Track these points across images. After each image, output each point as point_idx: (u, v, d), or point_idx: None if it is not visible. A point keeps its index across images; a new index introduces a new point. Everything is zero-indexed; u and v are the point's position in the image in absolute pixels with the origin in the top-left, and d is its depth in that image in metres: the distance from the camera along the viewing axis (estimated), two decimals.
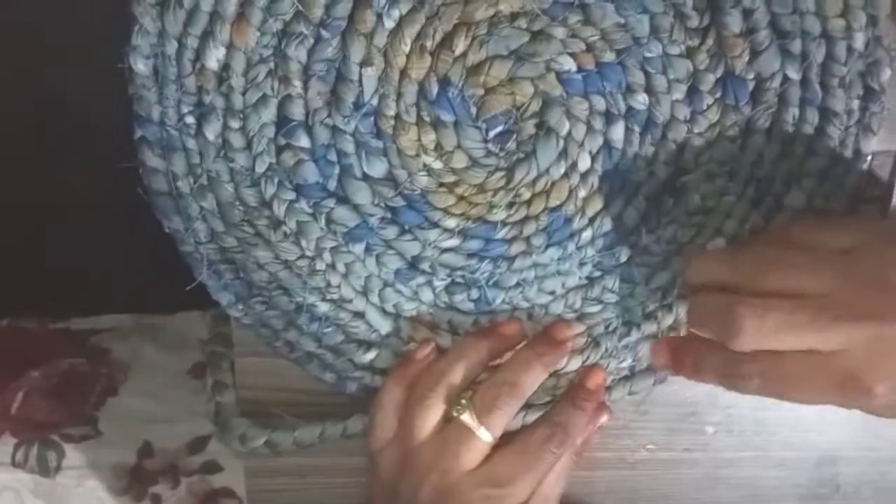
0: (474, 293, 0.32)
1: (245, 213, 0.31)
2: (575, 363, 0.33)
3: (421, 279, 0.32)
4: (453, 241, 0.31)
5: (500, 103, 0.29)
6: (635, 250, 0.32)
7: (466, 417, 0.31)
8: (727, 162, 0.30)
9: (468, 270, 0.32)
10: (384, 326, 0.33)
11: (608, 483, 0.36)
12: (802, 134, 0.30)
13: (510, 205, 0.31)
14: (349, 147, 0.30)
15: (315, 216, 0.31)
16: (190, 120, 0.29)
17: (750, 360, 0.26)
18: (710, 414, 0.36)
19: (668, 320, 0.32)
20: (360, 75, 0.29)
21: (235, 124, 0.29)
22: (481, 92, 0.29)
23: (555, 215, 0.31)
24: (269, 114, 0.29)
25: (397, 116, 0.29)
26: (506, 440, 0.31)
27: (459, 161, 0.30)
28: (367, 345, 0.33)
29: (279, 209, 0.30)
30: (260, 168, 0.30)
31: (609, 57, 0.29)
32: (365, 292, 0.32)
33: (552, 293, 0.33)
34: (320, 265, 0.32)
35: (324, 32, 0.28)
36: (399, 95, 0.29)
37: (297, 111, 0.29)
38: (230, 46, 0.28)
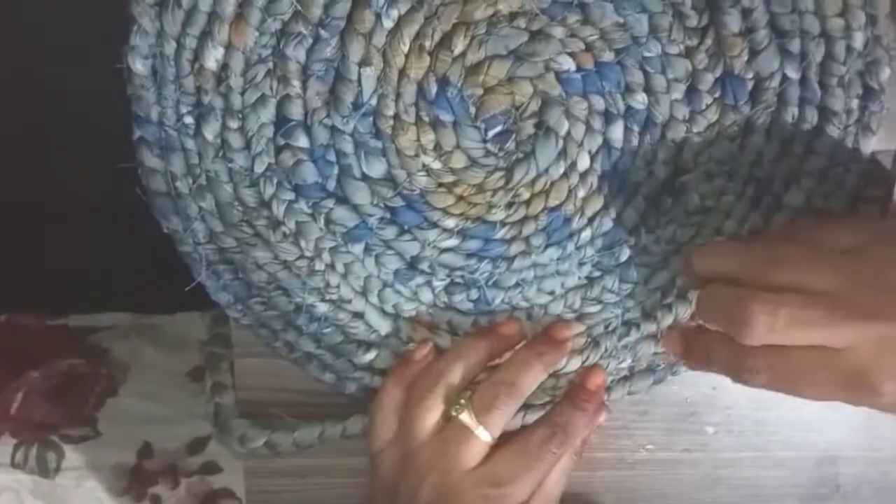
0: (473, 293, 0.32)
1: (244, 213, 0.31)
2: (574, 363, 0.33)
3: (420, 279, 0.32)
4: (452, 242, 0.31)
5: (499, 103, 0.29)
6: (634, 250, 0.32)
7: (465, 417, 0.31)
8: (726, 161, 0.30)
9: (467, 270, 0.32)
10: (383, 327, 0.33)
11: (608, 483, 0.36)
12: (802, 133, 0.30)
13: (509, 205, 0.31)
14: (348, 147, 0.30)
15: (314, 216, 0.31)
16: (188, 120, 0.29)
17: (758, 355, 0.26)
18: (710, 414, 0.36)
19: (668, 320, 0.32)
20: (359, 75, 0.29)
21: (234, 124, 0.29)
22: (480, 92, 0.29)
23: (554, 215, 0.31)
24: (267, 114, 0.29)
25: (396, 116, 0.29)
26: (506, 440, 0.31)
27: (458, 161, 0.30)
28: (366, 345, 0.33)
29: (278, 209, 0.30)
30: (259, 168, 0.30)
31: (608, 56, 0.29)
32: (364, 293, 0.32)
33: (551, 293, 0.33)
34: (319, 265, 0.32)
35: (322, 32, 0.28)
36: (398, 95, 0.29)
37: (295, 111, 0.29)
38: (229, 46, 0.28)
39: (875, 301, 0.25)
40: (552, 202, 0.31)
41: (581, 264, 0.32)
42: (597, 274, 0.32)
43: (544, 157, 0.30)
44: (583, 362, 0.33)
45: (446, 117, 0.29)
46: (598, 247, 0.32)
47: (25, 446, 0.44)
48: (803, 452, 0.36)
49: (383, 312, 0.33)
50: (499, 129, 0.30)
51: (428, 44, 0.28)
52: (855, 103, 0.29)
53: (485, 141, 0.30)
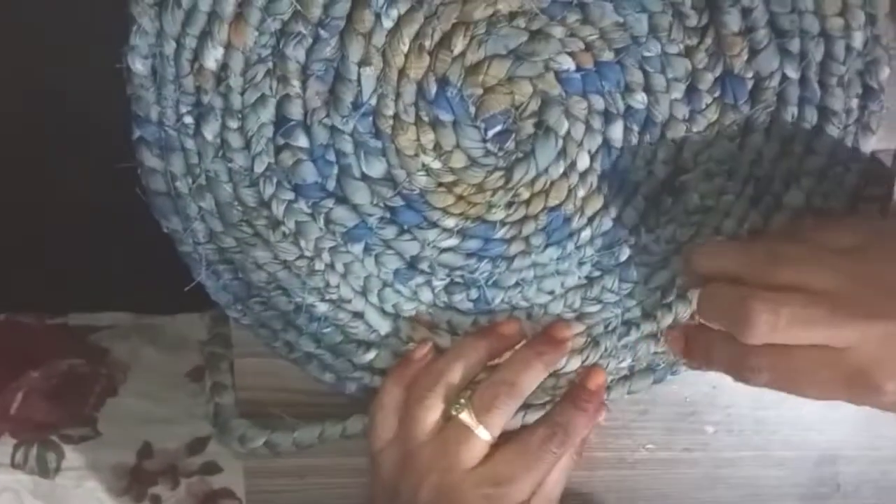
0: (473, 293, 0.32)
1: (244, 213, 0.31)
2: (574, 363, 0.33)
3: (420, 279, 0.32)
4: (452, 241, 0.31)
5: (499, 103, 0.29)
6: (634, 250, 0.32)
7: (465, 416, 0.31)
8: (726, 161, 0.30)
9: (467, 270, 0.32)
10: (383, 326, 0.33)
11: (608, 483, 0.36)
12: (801, 133, 0.30)
13: (509, 204, 0.31)
14: (348, 147, 0.30)
15: (314, 216, 0.31)
16: (188, 120, 0.29)
17: (759, 354, 0.26)
18: (710, 413, 0.36)
19: (668, 319, 0.32)
20: (359, 75, 0.29)
21: (234, 124, 0.29)
22: (480, 91, 0.29)
23: (554, 215, 0.31)
24: (267, 114, 0.29)
25: (396, 116, 0.29)
26: (506, 440, 0.31)
27: (458, 161, 0.30)
28: (366, 345, 0.33)
29: (278, 209, 0.30)
30: (258, 168, 0.30)
31: (608, 56, 0.29)
32: (364, 292, 0.32)
33: (551, 293, 0.33)
34: (319, 265, 0.32)
35: (322, 32, 0.28)
36: (398, 95, 0.29)
37: (295, 111, 0.29)
38: (228, 46, 0.28)
39: (876, 300, 0.25)
40: (552, 202, 0.31)
41: (581, 264, 0.32)
42: (596, 273, 0.32)
43: (544, 157, 0.30)
44: (583, 362, 0.33)
45: (446, 117, 0.29)
46: (598, 246, 0.32)
47: (25, 446, 0.44)
48: (803, 452, 0.36)
49: (383, 312, 0.33)
50: (498, 128, 0.30)
51: (427, 43, 0.28)
52: (854, 103, 0.29)
53: (484, 140, 0.30)
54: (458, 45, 0.28)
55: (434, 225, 0.31)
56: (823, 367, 0.25)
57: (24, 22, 0.65)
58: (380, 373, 0.33)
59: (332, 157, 0.30)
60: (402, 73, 0.29)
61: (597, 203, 0.31)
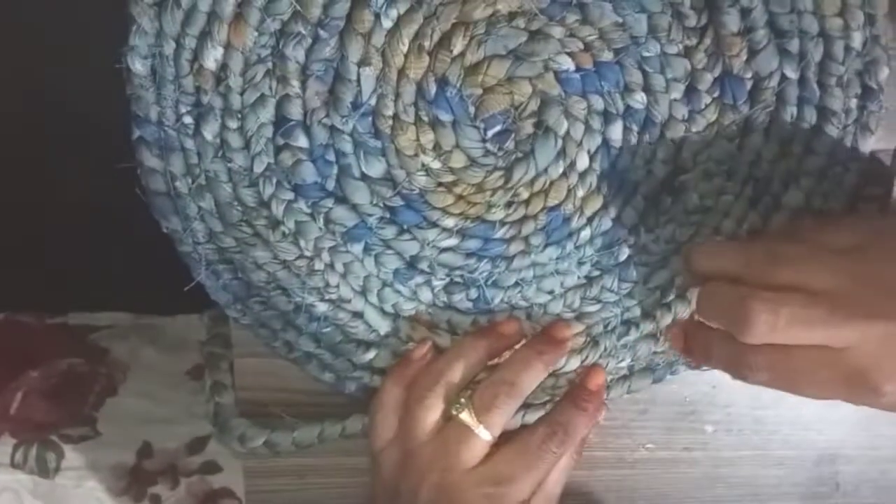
0: (473, 293, 0.32)
1: (243, 213, 0.31)
2: (574, 362, 0.33)
3: (420, 279, 0.32)
4: (452, 241, 0.31)
5: (499, 103, 0.29)
6: (634, 249, 0.32)
7: (465, 416, 0.31)
8: (725, 161, 0.30)
9: (467, 270, 0.32)
10: (383, 326, 0.33)
11: (607, 482, 0.36)
12: (800, 133, 0.30)
13: (508, 204, 0.31)
14: (347, 147, 0.30)
15: (313, 216, 0.31)
16: (188, 120, 0.29)
17: (758, 352, 0.26)
18: (710, 413, 0.36)
19: (667, 319, 0.32)
20: (359, 75, 0.29)
21: (233, 124, 0.29)
22: (479, 91, 0.29)
23: (553, 214, 0.31)
24: (267, 114, 0.29)
25: (395, 116, 0.29)
26: (506, 439, 0.31)
27: (458, 160, 0.30)
28: (365, 345, 0.33)
29: (277, 209, 0.30)
30: (258, 168, 0.30)
31: (607, 56, 0.29)
32: (364, 292, 0.32)
33: (551, 292, 0.33)
34: (319, 265, 0.32)
35: (322, 32, 0.28)
36: (397, 95, 0.29)
37: (295, 111, 0.29)
38: (228, 46, 0.28)
39: (876, 301, 0.25)
40: (551, 201, 0.31)
41: (580, 263, 0.32)
42: (596, 273, 0.32)
43: (543, 157, 0.30)
44: (582, 361, 0.33)
45: (445, 117, 0.29)
46: (598, 246, 0.32)
47: (25, 446, 0.44)
48: (803, 451, 0.36)
49: (383, 312, 0.33)
50: (498, 128, 0.30)
51: (427, 44, 0.28)
52: (854, 103, 0.29)
53: (484, 140, 0.30)
54: (458, 45, 0.28)
55: (434, 225, 0.31)
56: (822, 366, 0.25)
57: (24, 22, 0.65)
58: (379, 372, 0.33)
59: (331, 157, 0.30)
60: (401, 73, 0.29)
61: (596, 203, 0.31)
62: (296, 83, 0.29)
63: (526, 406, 0.32)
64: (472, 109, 0.29)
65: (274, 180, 0.30)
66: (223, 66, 0.29)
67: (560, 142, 0.30)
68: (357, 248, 0.31)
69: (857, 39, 0.28)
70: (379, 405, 0.32)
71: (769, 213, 0.31)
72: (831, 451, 0.36)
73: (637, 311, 0.33)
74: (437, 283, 0.32)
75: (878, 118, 0.29)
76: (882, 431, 0.36)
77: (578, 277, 0.32)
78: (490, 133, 0.30)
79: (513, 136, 0.30)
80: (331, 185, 0.31)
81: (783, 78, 0.29)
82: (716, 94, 0.29)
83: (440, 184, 0.31)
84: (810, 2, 0.28)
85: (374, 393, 0.33)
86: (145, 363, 0.48)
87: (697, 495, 0.37)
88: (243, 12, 0.28)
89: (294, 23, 0.28)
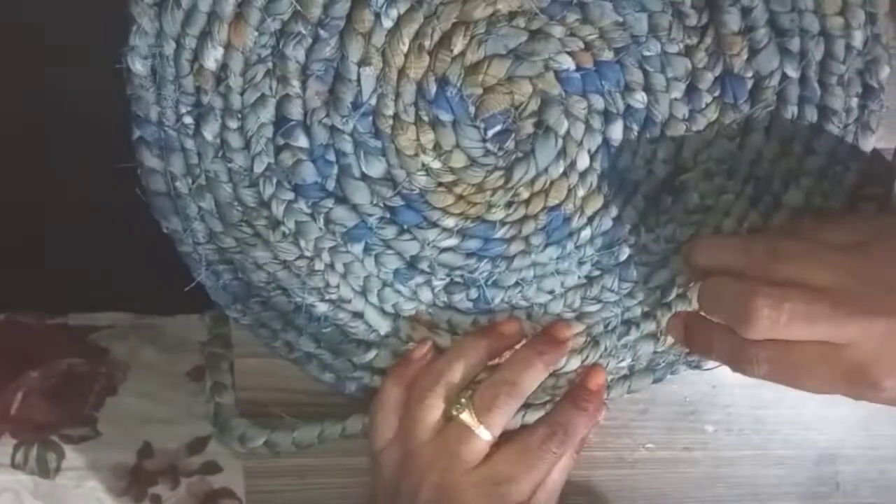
0: (473, 293, 0.32)
1: (243, 213, 0.31)
2: (574, 362, 0.33)
3: (420, 279, 0.32)
4: (452, 241, 0.31)
5: (499, 102, 0.29)
6: (634, 249, 0.32)
7: (466, 416, 0.31)
8: (726, 160, 0.30)
9: (467, 270, 0.32)
10: (383, 326, 0.33)
11: (607, 482, 0.36)
12: (801, 132, 0.30)
13: (509, 204, 0.31)
14: (347, 147, 0.30)
15: (314, 216, 0.31)
16: (188, 120, 0.29)
17: (759, 346, 0.26)
18: (710, 413, 0.36)
19: (667, 319, 0.32)
20: (359, 75, 0.29)
21: (233, 124, 0.29)
22: (480, 91, 0.29)
23: (553, 214, 0.31)
24: (267, 114, 0.29)
25: (396, 116, 0.29)
26: (506, 439, 0.31)
27: (458, 160, 0.30)
28: (366, 345, 0.33)
29: (278, 209, 0.30)
30: (258, 168, 0.30)
31: (607, 55, 0.29)
32: (364, 292, 0.32)
33: (551, 292, 0.33)
34: (319, 265, 0.32)
35: (322, 32, 0.28)
36: (397, 95, 0.29)
37: (295, 111, 0.29)
38: (228, 46, 0.28)
39: (876, 297, 0.25)
40: (552, 201, 0.31)
41: (581, 263, 0.32)
42: (596, 273, 0.32)
43: (544, 157, 0.30)
44: (582, 361, 0.33)
45: (446, 117, 0.29)
46: (598, 246, 0.32)
47: (25, 447, 0.44)
48: (803, 451, 0.36)
49: (383, 312, 0.33)
50: (498, 128, 0.30)
51: (427, 43, 0.28)
52: (854, 102, 0.29)
53: (484, 140, 0.30)
54: (458, 44, 0.28)
55: (434, 225, 0.31)
56: (822, 362, 0.25)
57: (24, 22, 0.65)
58: (380, 372, 0.33)
59: (331, 156, 0.30)
60: (401, 72, 0.29)
61: (596, 202, 0.31)
62: (296, 83, 0.29)
63: (526, 406, 0.32)
64: (472, 109, 0.29)
65: (274, 180, 0.30)
66: (223, 66, 0.29)
67: (560, 141, 0.30)
68: (357, 249, 0.31)
69: (857, 38, 0.28)
70: (379, 405, 0.32)
71: (770, 212, 0.31)
72: (831, 451, 0.36)
73: (637, 311, 0.33)
74: (438, 283, 0.32)
75: (878, 117, 0.29)
76: (882, 431, 0.36)
77: (579, 277, 0.32)
78: (490, 133, 0.30)
79: (513, 135, 0.30)
80: (331, 185, 0.30)
81: (784, 77, 0.29)
82: (716, 94, 0.29)
83: (440, 184, 0.31)
84: (811, 0, 0.28)
85: (375, 393, 0.33)
86: (145, 363, 0.48)
87: (697, 495, 0.37)
88: (243, 12, 0.28)
89: (294, 23, 0.28)
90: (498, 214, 0.31)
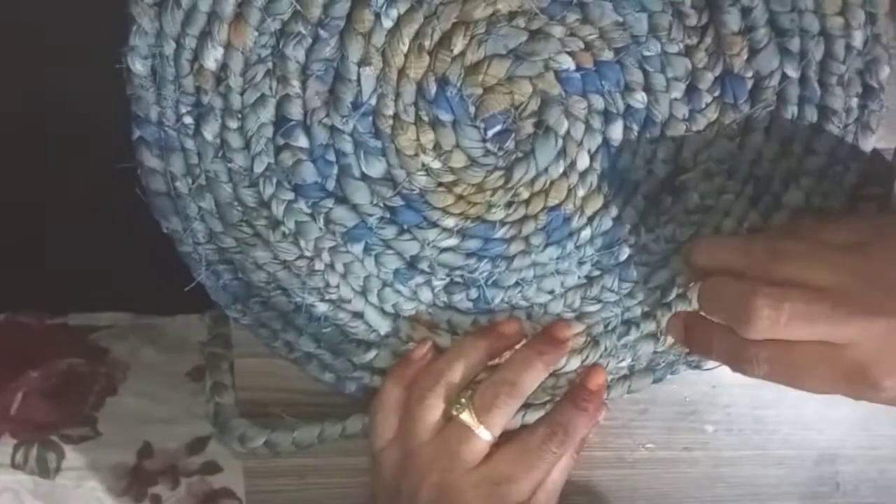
0: (473, 293, 0.32)
1: (243, 213, 0.31)
2: (574, 362, 0.33)
3: (420, 279, 0.32)
4: (452, 241, 0.31)
5: (499, 102, 0.29)
6: (634, 249, 0.32)
7: (466, 416, 0.31)
8: (726, 160, 0.30)
9: (467, 270, 0.32)
10: (383, 326, 0.33)
11: (607, 482, 0.36)
12: (801, 132, 0.30)
13: (509, 204, 0.31)
14: (347, 147, 0.30)
15: (314, 216, 0.31)
16: (188, 120, 0.29)
17: (759, 346, 0.26)
18: (710, 413, 0.36)
19: (667, 319, 0.32)
20: (359, 75, 0.29)
21: (233, 124, 0.29)
22: (480, 91, 0.29)
23: (553, 214, 0.31)
24: (267, 114, 0.29)
25: (396, 116, 0.29)
26: (506, 439, 0.31)
27: (458, 160, 0.30)
28: (366, 345, 0.33)
29: (278, 209, 0.30)
30: (258, 168, 0.30)
31: (607, 55, 0.29)
32: (364, 292, 0.32)
33: (551, 292, 0.33)
34: (319, 265, 0.32)
35: (322, 32, 0.28)
36: (397, 95, 0.29)
37: (295, 111, 0.29)
38: (228, 46, 0.28)
39: (876, 298, 0.25)
40: (552, 201, 0.31)
41: (581, 263, 0.32)
42: (596, 273, 0.32)
43: (544, 157, 0.30)
44: (582, 361, 0.33)
45: (446, 117, 0.29)
46: (598, 246, 0.32)
47: (25, 447, 0.44)
48: (803, 451, 0.36)
49: (383, 312, 0.33)
50: (498, 128, 0.30)
51: (427, 43, 0.28)
52: (854, 102, 0.29)
53: (484, 140, 0.30)
54: (458, 44, 0.28)
55: (434, 225, 0.31)
56: (822, 361, 0.25)
57: (24, 22, 0.65)
58: (380, 372, 0.33)
59: (331, 157, 0.30)
60: (401, 72, 0.29)
61: (596, 202, 0.31)
62: (296, 83, 0.29)
63: (526, 406, 0.32)
64: (472, 109, 0.29)
65: (274, 180, 0.30)
66: (223, 66, 0.29)
67: (560, 141, 0.30)
68: (357, 249, 0.31)
69: (857, 38, 0.28)
70: (379, 405, 0.32)
71: (770, 213, 0.31)
72: (831, 451, 0.36)
73: (637, 311, 0.33)
74: (438, 283, 0.32)
75: (878, 117, 0.29)
76: (882, 431, 0.36)
77: (579, 277, 0.32)
78: (490, 133, 0.30)
79: (513, 135, 0.30)
80: (331, 185, 0.30)
81: (784, 77, 0.29)
82: (716, 94, 0.29)
83: (440, 184, 0.31)
84: (811, 1, 0.28)
85: (375, 393, 0.33)
86: (145, 363, 0.48)
87: (697, 495, 0.37)
88: (243, 12, 0.28)
89: (294, 22, 0.28)
90: (498, 214, 0.31)
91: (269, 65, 0.29)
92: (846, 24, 0.28)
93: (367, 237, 0.31)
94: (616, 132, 0.30)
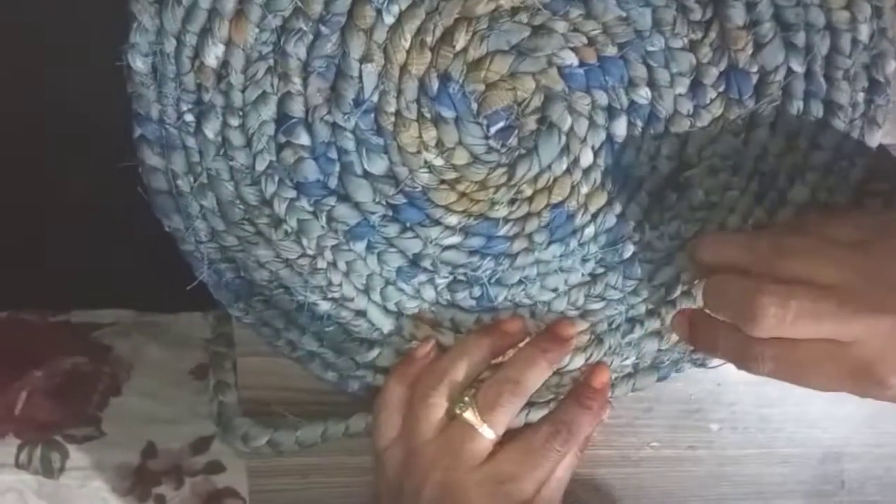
0: (476, 291, 0.32)
1: (245, 211, 0.31)
2: (578, 360, 0.33)
3: (423, 277, 0.32)
4: (455, 239, 0.31)
5: (502, 99, 0.29)
6: (638, 246, 0.32)
7: (469, 415, 0.31)
8: (730, 156, 0.30)
9: (470, 268, 0.32)
10: (386, 325, 0.33)
11: (612, 481, 0.36)
12: (807, 127, 0.29)
13: (512, 201, 0.31)
14: (349, 144, 0.30)
15: (316, 214, 0.31)
16: (189, 118, 0.29)
17: (765, 344, 0.26)
18: (715, 411, 0.36)
19: (672, 316, 0.32)
20: (360, 72, 0.29)
21: (235, 122, 0.29)
22: (482, 87, 0.29)
23: (557, 211, 0.31)
24: (268, 111, 0.29)
25: (398, 113, 0.29)
26: (510, 438, 0.31)
27: (461, 157, 0.30)
28: (368, 343, 0.33)
29: (280, 207, 0.30)
30: (260, 166, 0.30)
31: (611, 51, 0.29)
32: (366, 290, 0.32)
33: (555, 290, 0.32)
34: (321, 264, 0.31)
35: (323, 28, 0.28)
36: (399, 92, 0.29)
37: (296, 108, 0.29)
38: (229, 43, 0.28)
39: (882, 295, 0.25)
40: (555, 198, 0.31)
41: (584, 261, 0.32)
42: (600, 270, 0.32)
43: (547, 153, 0.30)
44: (586, 359, 0.33)
45: (448, 114, 0.29)
46: (602, 243, 0.32)
47: (29, 447, 0.44)
48: (808, 449, 0.36)
49: (386, 310, 0.33)
50: (501, 125, 0.30)
51: (429, 39, 0.28)
52: (860, 97, 0.29)
53: (487, 137, 0.30)
54: (460, 40, 0.28)
55: (436, 222, 0.31)
56: (828, 359, 0.25)
57: (24, 22, 0.65)
58: (383, 371, 0.33)
59: (333, 154, 0.30)
60: (403, 69, 0.29)
61: (600, 199, 0.31)
62: (297, 80, 0.29)
63: (530, 404, 0.32)
64: (474, 106, 0.29)
65: (276, 178, 0.30)
66: (224, 64, 0.28)
67: (564, 138, 0.30)
68: (360, 247, 0.31)
69: (863, 32, 0.28)
70: (382, 404, 0.32)
71: (775, 209, 0.31)
72: (836, 449, 0.36)
73: (642, 309, 0.33)
74: (441, 281, 0.32)
75: (885, 112, 0.29)
76: (887, 429, 0.36)
77: (582, 275, 0.32)
78: (493, 129, 0.30)
79: (516, 132, 0.30)
80: (333, 182, 0.30)
81: (789, 72, 0.29)
82: (721, 89, 0.29)
83: (443, 181, 0.30)
84: None
85: (378, 392, 0.33)
86: (148, 361, 0.48)
87: (702, 493, 0.36)
88: (244, 9, 0.28)
89: (295, 19, 0.28)
90: (501, 212, 0.31)
91: (271, 62, 0.29)
92: (852, 18, 0.28)
93: (369, 235, 0.31)
94: (620, 128, 0.30)
